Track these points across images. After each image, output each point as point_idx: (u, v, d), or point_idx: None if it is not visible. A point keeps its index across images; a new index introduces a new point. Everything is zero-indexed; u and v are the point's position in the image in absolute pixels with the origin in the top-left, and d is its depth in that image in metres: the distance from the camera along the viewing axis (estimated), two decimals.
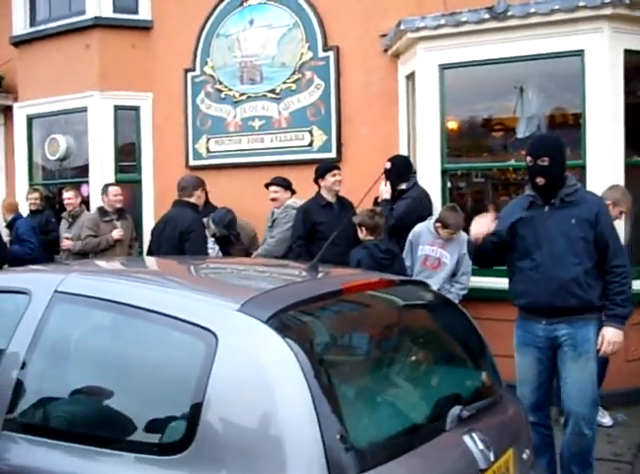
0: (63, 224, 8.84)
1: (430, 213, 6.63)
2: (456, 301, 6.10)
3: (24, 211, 9.23)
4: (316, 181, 6.94)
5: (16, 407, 2.86)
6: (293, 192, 7.27)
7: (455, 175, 7.41)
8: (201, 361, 2.42)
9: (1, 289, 3.37)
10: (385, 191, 6.81)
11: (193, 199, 6.75)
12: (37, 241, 8.56)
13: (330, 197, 6.87)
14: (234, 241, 7.65)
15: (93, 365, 2.93)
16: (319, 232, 6.58)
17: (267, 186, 7.33)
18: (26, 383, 2.90)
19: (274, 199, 7.23)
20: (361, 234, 6.08)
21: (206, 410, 2.35)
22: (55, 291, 3.01)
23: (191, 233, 6.44)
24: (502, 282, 6.64)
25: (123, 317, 2.84)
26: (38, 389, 2.95)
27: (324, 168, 6.97)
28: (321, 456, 2.20)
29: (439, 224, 6.28)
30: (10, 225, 8.77)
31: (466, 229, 6.34)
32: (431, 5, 7.18)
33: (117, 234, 8.15)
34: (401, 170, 6.88)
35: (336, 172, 6.91)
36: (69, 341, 3.07)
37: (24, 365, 2.90)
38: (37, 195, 9.28)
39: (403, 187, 6.81)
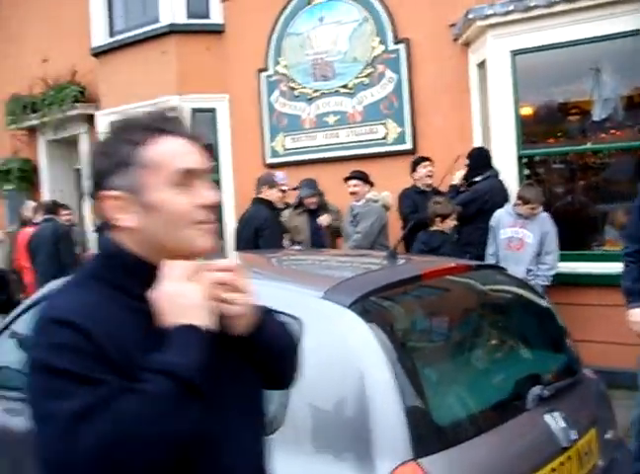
0: None
1: (494, 207, 6.58)
2: (546, 283, 6.12)
3: None
4: (411, 174, 7.29)
5: None
6: (372, 184, 7.34)
7: (532, 161, 7.36)
8: None
9: None
10: (457, 176, 6.99)
11: (268, 196, 6.86)
12: None
13: (424, 188, 7.19)
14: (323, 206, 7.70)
15: None
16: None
17: (346, 180, 7.41)
18: None
19: (353, 193, 7.29)
20: (441, 224, 6.24)
21: (294, 395, 2.45)
22: None
23: (265, 230, 6.55)
24: (586, 267, 6.68)
25: None
26: None
27: (416, 161, 7.31)
28: (406, 435, 2.29)
29: (519, 201, 6.27)
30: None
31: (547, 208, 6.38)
32: None
33: None
34: (476, 162, 6.90)
35: (427, 163, 7.20)
36: None
37: None
38: None
39: (476, 179, 6.85)
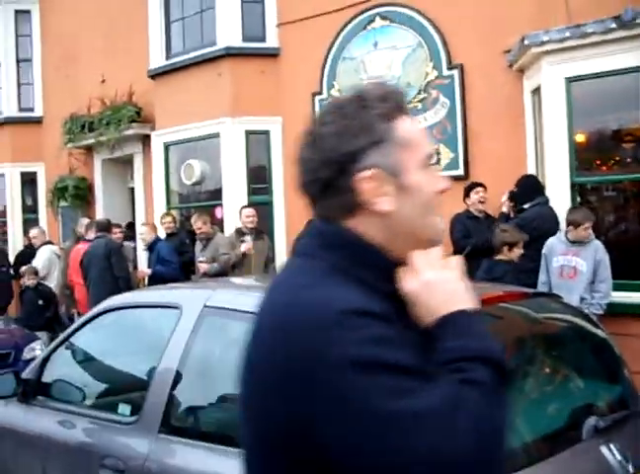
0: (198, 246, 9.20)
1: (543, 234, 6.53)
2: (600, 312, 6.04)
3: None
4: (464, 199, 7.35)
5: (170, 412, 3.10)
6: None
7: (585, 189, 7.30)
8: None
9: (155, 304, 3.65)
10: (505, 204, 7.05)
11: None
12: (178, 262, 9.02)
13: (477, 214, 7.28)
14: None
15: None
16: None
17: None
18: (179, 390, 3.14)
19: None
20: (512, 253, 6.15)
21: None
22: (205, 306, 3.24)
23: None
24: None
25: None
26: (190, 396, 3.19)
27: (469, 187, 7.40)
28: None
29: (570, 227, 6.23)
30: (150, 247, 9.22)
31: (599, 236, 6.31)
32: (555, 18, 7.13)
33: (244, 247, 8.35)
34: (525, 190, 6.90)
35: (479, 189, 7.30)
36: (218, 351, 3.30)
37: (177, 374, 3.13)
38: (170, 218, 9.74)
39: (525, 206, 6.83)
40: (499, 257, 6.19)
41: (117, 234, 9.57)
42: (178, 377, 3.14)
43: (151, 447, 3.04)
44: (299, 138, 1.53)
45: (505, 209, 7.03)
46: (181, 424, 3.16)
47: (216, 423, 3.14)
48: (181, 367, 3.14)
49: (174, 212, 10.27)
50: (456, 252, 7.09)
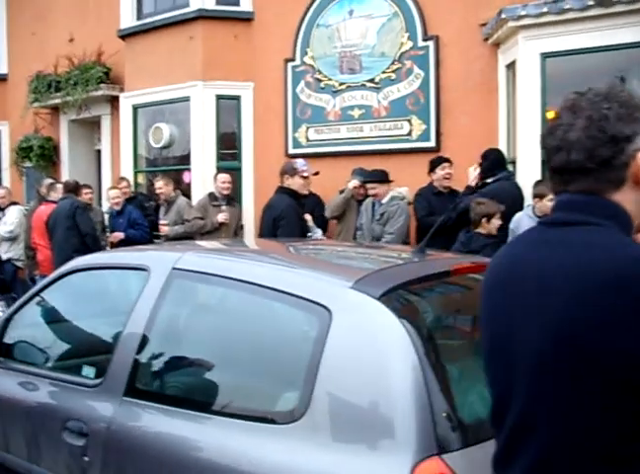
0: (161, 210, 9.16)
1: (507, 210, 6.51)
2: None
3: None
4: (429, 173, 7.26)
5: (136, 375, 3.05)
6: (390, 182, 7.34)
7: None
8: (315, 336, 2.53)
9: (122, 266, 3.59)
10: (472, 177, 6.92)
11: (290, 185, 6.81)
12: (150, 225, 9.04)
13: (442, 189, 7.19)
14: None
15: (208, 339, 3.10)
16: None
17: (363, 182, 7.52)
18: (145, 354, 3.08)
19: (374, 195, 7.34)
20: (489, 224, 6.14)
21: (320, 382, 2.44)
22: (173, 268, 3.17)
23: (282, 220, 6.52)
24: None
25: (238, 293, 2.97)
26: (156, 360, 3.14)
27: (435, 162, 7.26)
28: (430, 430, 2.28)
29: (536, 199, 6.24)
30: (119, 211, 9.14)
31: None
32: None
33: (221, 217, 8.35)
34: (489, 164, 6.84)
35: (446, 165, 7.18)
36: (186, 315, 3.25)
37: (144, 337, 3.08)
38: (125, 183, 9.71)
39: (488, 181, 6.78)
40: (477, 230, 6.19)
41: (88, 195, 9.40)
42: (144, 340, 3.07)
43: (116, 411, 2.98)
44: (557, 119, 1.75)
45: (472, 183, 6.93)
46: (146, 387, 3.11)
47: (183, 387, 3.10)
48: (147, 330, 3.07)
49: (127, 178, 10.13)
50: (421, 229, 7.10)
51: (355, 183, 7.73)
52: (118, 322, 3.29)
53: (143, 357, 3.09)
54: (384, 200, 7.20)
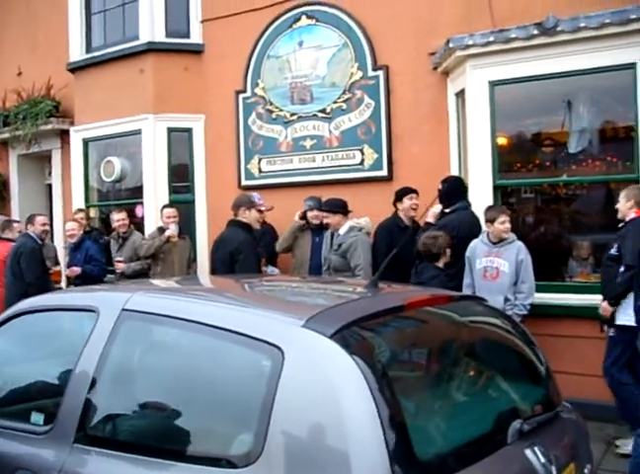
0: (113, 245, 9.02)
1: (463, 240, 6.51)
2: (524, 312, 6.09)
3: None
4: (394, 203, 7.25)
5: (86, 421, 2.96)
6: (347, 212, 7.27)
7: (507, 191, 7.39)
8: (268, 376, 2.49)
9: (71, 307, 3.50)
10: (431, 214, 6.90)
11: (245, 218, 6.78)
12: (106, 261, 8.92)
13: (407, 221, 7.18)
14: None
15: (160, 381, 3.03)
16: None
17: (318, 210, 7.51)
18: (95, 398, 3.00)
19: (327, 224, 7.34)
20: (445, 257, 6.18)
21: (274, 422, 2.40)
22: (122, 309, 3.11)
23: (240, 254, 6.49)
24: (559, 298, 6.70)
25: (190, 334, 2.92)
26: (106, 404, 3.05)
27: (402, 192, 7.24)
28: (386, 467, 2.24)
29: (488, 223, 6.29)
30: (77, 245, 8.99)
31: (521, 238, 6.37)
32: (479, 22, 7.23)
33: (168, 232, 8.27)
34: (449, 193, 6.82)
35: (413, 195, 7.17)
36: (137, 357, 3.17)
37: (93, 381, 3.00)
38: (82, 214, 9.59)
39: (446, 211, 6.79)
40: (440, 262, 6.21)
41: (44, 227, 9.16)
42: (94, 384, 2.99)
43: (66, 458, 2.89)
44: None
45: (429, 219, 6.86)
46: (98, 433, 3.01)
47: (135, 431, 3.00)
48: (97, 374, 3.00)
49: (86, 209, 10.04)
50: (378, 261, 7.05)
51: (298, 213, 7.67)
52: (67, 366, 3.20)
53: (94, 402, 3.00)
54: (342, 231, 7.16)
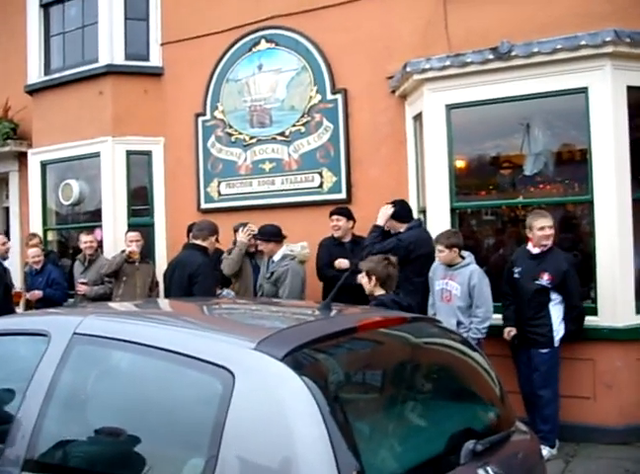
0: (77, 267, 8.93)
1: (420, 257, 6.61)
2: (479, 336, 6.09)
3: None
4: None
5: (35, 448, 2.91)
6: (282, 239, 7.26)
7: (465, 213, 7.45)
8: (219, 400, 2.47)
9: (21, 332, 3.45)
10: (382, 215, 6.90)
11: (205, 244, 6.78)
12: (67, 285, 8.86)
13: (341, 238, 7.33)
14: None
15: (111, 406, 2.99)
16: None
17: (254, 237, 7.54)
18: (45, 424, 2.95)
19: (261, 251, 7.39)
20: (369, 284, 5.54)
21: (224, 448, 2.38)
22: (74, 333, 3.07)
23: (199, 276, 6.46)
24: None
25: (141, 357, 2.89)
26: (57, 430, 3.01)
27: (330, 212, 7.47)
28: None
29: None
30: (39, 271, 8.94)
31: (481, 262, 6.43)
32: (436, 47, 7.32)
33: (129, 249, 8.25)
34: (403, 212, 6.96)
35: (334, 217, 7.38)
36: (88, 382, 3.13)
37: (43, 407, 2.95)
38: (37, 239, 9.47)
39: (400, 230, 6.86)
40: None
41: (5, 246, 9.02)
42: (45, 409, 2.94)
43: None
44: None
45: (379, 222, 6.86)
46: (47, 459, 2.96)
47: (86, 457, 2.96)
48: (48, 399, 2.95)
49: (39, 235, 9.91)
50: (321, 277, 7.21)
51: (246, 236, 7.56)
52: (17, 391, 3.15)
53: (44, 428, 2.94)
54: (276, 258, 7.16)
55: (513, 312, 6.40)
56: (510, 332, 6.36)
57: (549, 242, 6.25)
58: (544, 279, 6.19)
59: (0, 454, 2.96)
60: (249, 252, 7.67)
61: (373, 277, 5.49)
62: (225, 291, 7.42)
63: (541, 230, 6.21)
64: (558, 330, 6.22)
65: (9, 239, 11.01)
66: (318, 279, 7.32)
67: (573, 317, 6.26)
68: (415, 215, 7.31)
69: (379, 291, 5.49)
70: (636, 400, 6.41)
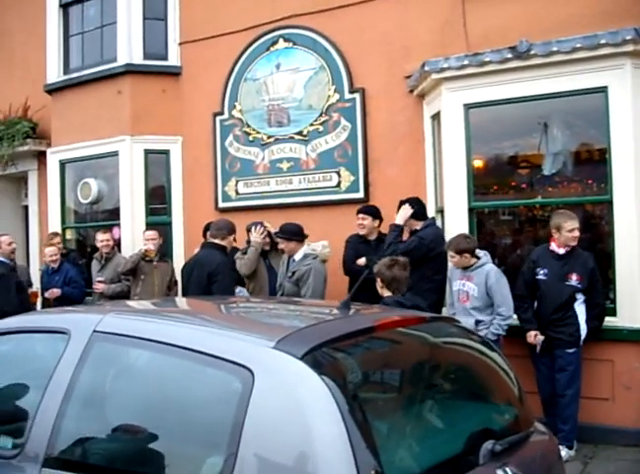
0: (94, 266, 8.98)
1: (439, 255, 6.66)
2: (499, 332, 6.11)
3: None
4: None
5: (55, 445, 2.93)
6: (304, 238, 7.23)
7: (482, 213, 7.43)
8: (238, 398, 2.48)
9: (42, 329, 3.47)
10: (401, 215, 6.91)
11: (224, 242, 6.81)
12: (85, 283, 8.93)
13: (367, 236, 7.33)
14: None
15: (131, 403, 3.00)
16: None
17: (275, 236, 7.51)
18: (65, 421, 2.97)
19: (282, 250, 7.33)
20: (378, 286, 5.66)
21: (243, 446, 2.38)
22: (94, 331, 3.09)
23: (218, 275, 6.48)
24: None
25: (160, 355, 2.91)
26: (77, 427, 3.02)
27: (357, 210, 7.42)
28: None
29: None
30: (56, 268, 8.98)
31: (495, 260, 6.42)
32: (454, 46, 7.31)
33: (146, 246, 8.33)
34: (419, 210, 6.99)
35: (360, 216, 7.33)
36: (107, 379, 3.15)
37: (63, 404, 2.97)
38: (58, 238, 9.53)
39: (417, 228, 6.90)
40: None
41: (11, 246, 9.02)
42: (64, 407, 2.96)
43: None
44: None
45: (398, 221, 6.88)
46: (67, 456, 2.98)
47: (105, 455, 2.98)
48: (68, 396, 2.97)
49: (60, 233, 9.97)
50: (346, 273, 7.22)
51: (261, 234, 7.55)
52: (37, 388, 3.17)
53: (63, 425, 2.96)
54: (297, 258, 7.12)
55: (533, 315, 6.36)
56: (536, 335, 6.30)
57: (575, 243, 6.23)
58: (574, 280, 6.19)
59: (20, 450, 2.99)
60: (263, 251, 7.66)
61: (379, 279, 5.63)
62: (238, 289, 7.42)
63: (571, 232, 6.18)
64: (584, 329, 6.21)
65: (27, 238, 11.15)
66: (344, 274, 7.26)
67: (595, 314, 6.25)
68: (431, 215, 7.30)
69: (387, 293, 5.60)
70: None
